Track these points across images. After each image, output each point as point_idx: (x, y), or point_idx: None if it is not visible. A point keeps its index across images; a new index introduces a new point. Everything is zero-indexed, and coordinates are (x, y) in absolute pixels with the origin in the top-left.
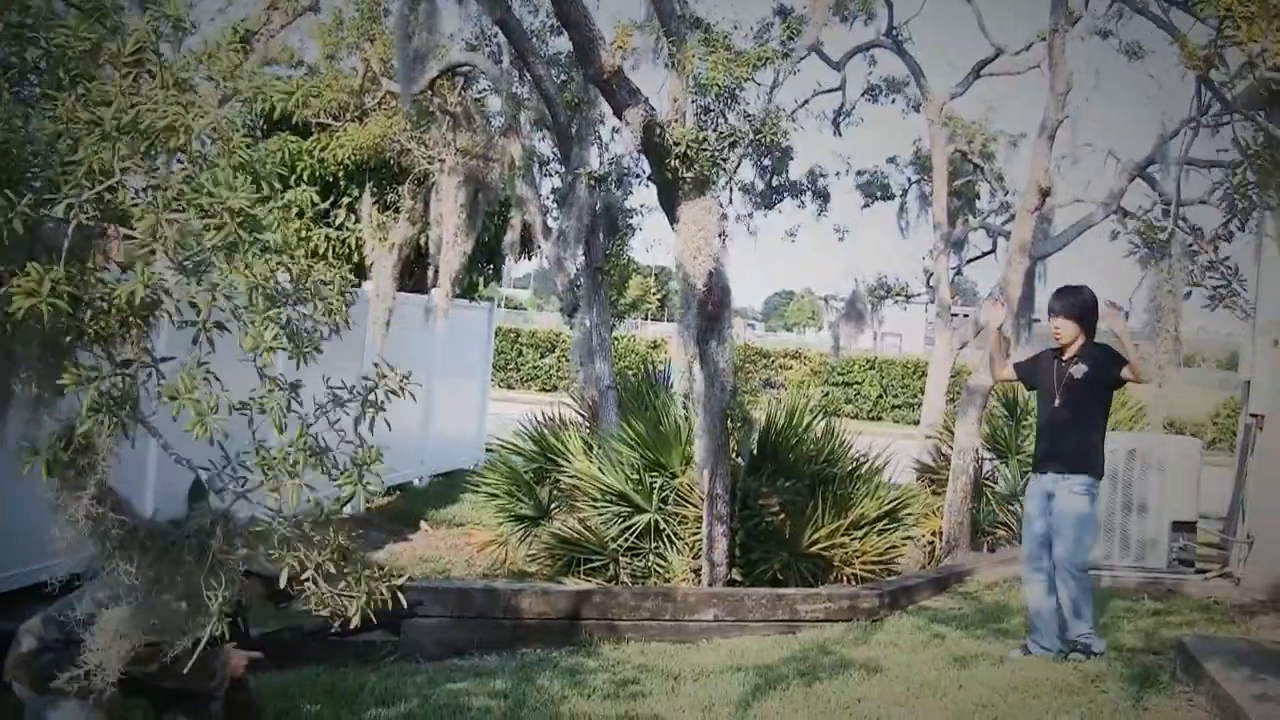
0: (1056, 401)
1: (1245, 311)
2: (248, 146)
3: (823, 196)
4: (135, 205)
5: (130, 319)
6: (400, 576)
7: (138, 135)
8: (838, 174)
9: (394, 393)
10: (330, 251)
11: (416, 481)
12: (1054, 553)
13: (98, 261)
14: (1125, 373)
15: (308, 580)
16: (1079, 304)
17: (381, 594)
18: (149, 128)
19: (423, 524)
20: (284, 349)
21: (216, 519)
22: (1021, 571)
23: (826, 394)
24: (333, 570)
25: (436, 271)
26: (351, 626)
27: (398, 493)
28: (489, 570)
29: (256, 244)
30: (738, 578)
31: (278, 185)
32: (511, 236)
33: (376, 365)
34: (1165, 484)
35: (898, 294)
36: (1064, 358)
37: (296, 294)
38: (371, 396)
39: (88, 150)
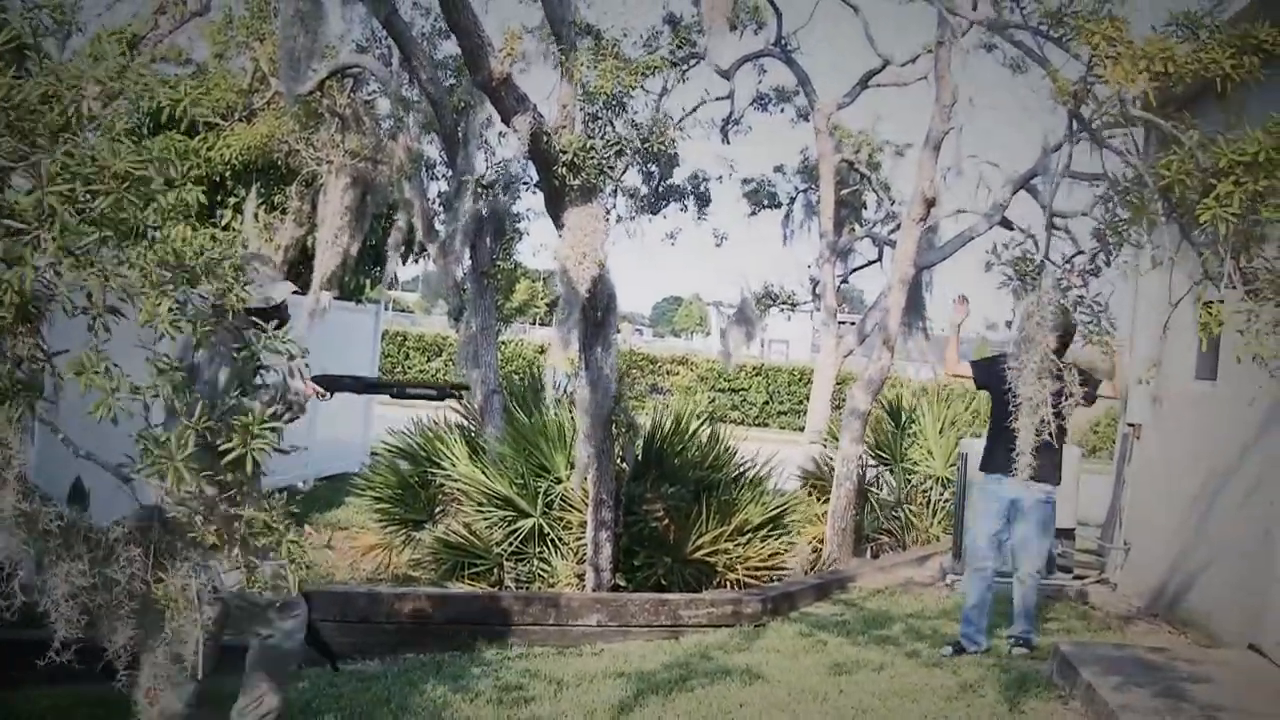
0: None
1: (1112, 348)
2: (131, 135)
3: (704, 200)
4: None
5: (26, 310)
6: (326, 540)
7: (14, 111)
8: (720, 178)
9: (276, 351)
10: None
11: (301, 484)
12: (1016, 558)
13: None
14: (1104, 390)
15: (235, 556)
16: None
17: (306, 557)
18: (23, 101)
19: (306, 528)
20: (179, 327)
21: (151, 510)
22: (967, 569)
23: (713, 400)
24: (258, 543)
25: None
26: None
27: (283, 494)
28: (373, 574)
29: (138, 209)
30: (622, 583)
31: (173, 169)
32: (398, 239)
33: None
34: None
35: (784, 302)
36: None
37: (190, 272)
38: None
39: None
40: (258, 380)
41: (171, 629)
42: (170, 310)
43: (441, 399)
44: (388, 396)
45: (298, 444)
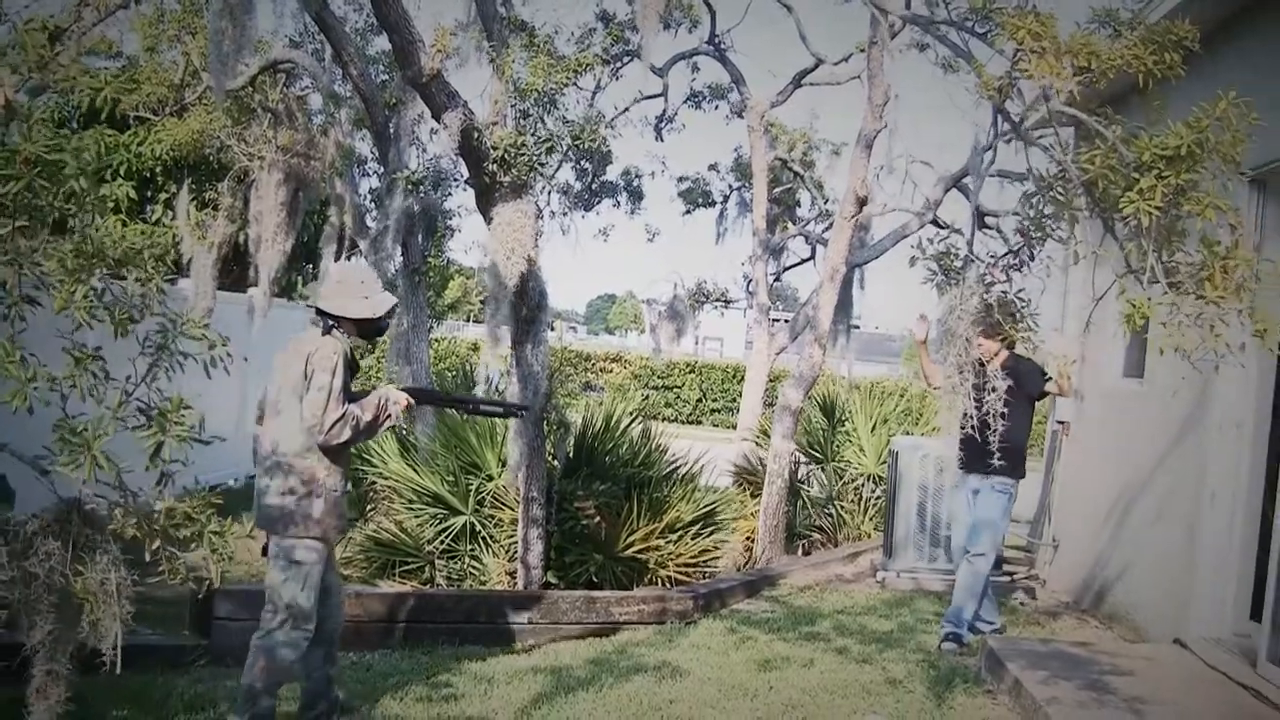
0: None
1: (1034, 343)
2: (60, 129)
3: (637, 195)
4: None
5: None
6: (247, 532)
7: None
8: (653, 174)
9: (193, 338)
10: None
11: (232, 482)
12: (967, 540)
13: None
14: (1050, 387)
15: (157, 548)
16: (994, 322)
17: (229, 548)
18: None
19: (237, 525)
20: (94, 313)
21: (70, 503)
22: (957, 562)
23: (647, 397)
24: (177, 534)
25: (256, 270)
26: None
27: (214, 491)
28: None
29: (50, 194)
30: (553, 580)
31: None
32: (331, 235)
33: (165, 318)
34: None
35: (717, 299)
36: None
37: (106, 259)
38: (169, 343)
39: None
40: None
41: (89, 623)
42: (85, 298)
43: (506, 417)
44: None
45: (226, 443)
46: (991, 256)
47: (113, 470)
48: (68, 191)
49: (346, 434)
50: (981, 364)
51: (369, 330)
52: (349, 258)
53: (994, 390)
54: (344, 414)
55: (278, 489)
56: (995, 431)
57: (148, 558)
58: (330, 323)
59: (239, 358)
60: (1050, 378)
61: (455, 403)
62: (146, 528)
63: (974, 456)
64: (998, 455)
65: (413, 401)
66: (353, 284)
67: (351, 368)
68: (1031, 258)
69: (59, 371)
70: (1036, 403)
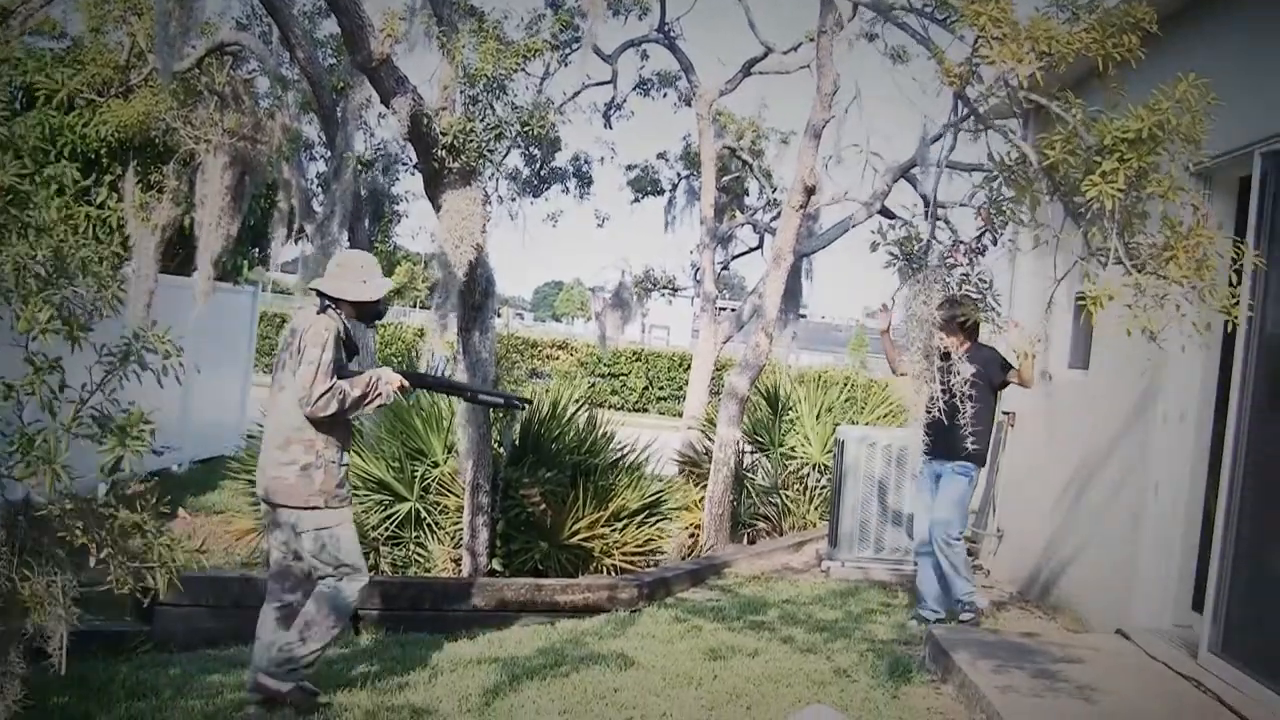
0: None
1: (998, 325)
2: (7, 120)
3: (586, 180)
4: None
5: None
6: (199, 544)
7: None
8: (602, 160)
9: (153, 350)
10: (92, 230)
11: (175, 467)
12: (930, 523)
13: None
14: (1011, 376)
15: (105, 555)
16: (952, 316)
17: (176, 562)
18: None
19: (181, 511)
20: (58, 332)
21: (19, 506)
22: (917, 548)
23: (593, 385)
24: (126, 543)
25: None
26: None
27: (155, 479)
28: (248, 559)
29: (19, 222)
30: (498, 568)
31: (40, 161)
32: (278, 219)
33: (129, 332)
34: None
35: (664, 287)
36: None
37: (68, 272)
38: (131, 355)
39: None
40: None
41: (33, 624)
42: (51, 320)
43: (507, 407)
44: (461, 399)
45: (170, 428)
46: (956, 244)
47: (66, 479)
48: (34, 219)
49: (333, 406)
50: (947, 351)
51: (368, 313)
52: (296, 242)
53: (958, 374)
54: (331, 387)
55: (282, 461)
56: (965, 414)
57: (93, 563)
58: (326, 303)
59: (181, 341)
60: (1013, 367)
61: (452, 389)
62: (96, 535)
63: (938, 443)
64: (962, 441)
65: (406, 383)
66: (352, 269)
67: (349, 349)
68: (994, 241)
69: (15, 379)
70: (999, 391)
